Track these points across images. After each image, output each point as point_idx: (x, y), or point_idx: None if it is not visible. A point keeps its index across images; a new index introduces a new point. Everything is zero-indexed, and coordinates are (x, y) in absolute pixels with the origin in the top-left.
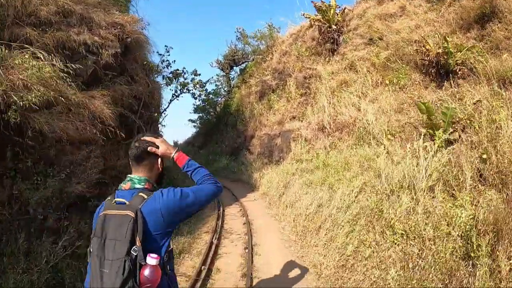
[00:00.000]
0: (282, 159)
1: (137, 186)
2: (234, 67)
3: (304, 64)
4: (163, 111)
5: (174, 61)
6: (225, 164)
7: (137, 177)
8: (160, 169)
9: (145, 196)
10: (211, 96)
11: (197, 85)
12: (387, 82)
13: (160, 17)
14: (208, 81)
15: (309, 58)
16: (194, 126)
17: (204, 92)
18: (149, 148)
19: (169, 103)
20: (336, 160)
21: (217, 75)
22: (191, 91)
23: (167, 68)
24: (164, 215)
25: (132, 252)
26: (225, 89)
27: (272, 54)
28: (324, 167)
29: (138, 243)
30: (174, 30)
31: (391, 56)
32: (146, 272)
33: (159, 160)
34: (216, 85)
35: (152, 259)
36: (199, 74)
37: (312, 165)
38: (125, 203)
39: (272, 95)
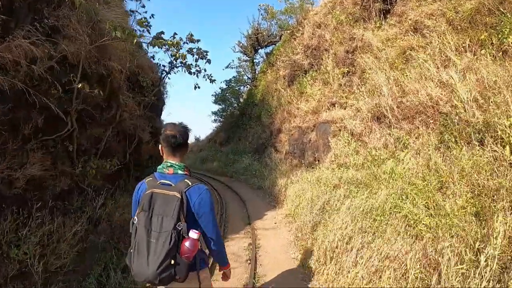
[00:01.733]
0: (317, 161)
1: (180, 172)
2: (259, 50)
3: (345, 35)
4: (152, 93)
5: (153, 15)
6: (246, 165)
7: (177, 164)
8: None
9: (190, 183)
10: (232, 83)
11: (176, 45)
12: (483, 40)
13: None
14: (228, 65)
15: (351, 27)
16: (215, 120)
17: (206, 63)
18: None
19: (161, 79)
20: (412, 169)
21: (238, 58)
22: (185, 62)
23: (148, 33)
24: (196, 206)
25: (177, 227)
26: (249, 76)
27: (303, 27)
28: (392, 179)
29: (183, 220)
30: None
31: (480, 6)
32: (187, 243)
33: (188, 147)
34: (238, 71)
35: (194, 233)
36: (198, 40)
37: (366, 174)
38: (170, 184)
39: (304, 78)
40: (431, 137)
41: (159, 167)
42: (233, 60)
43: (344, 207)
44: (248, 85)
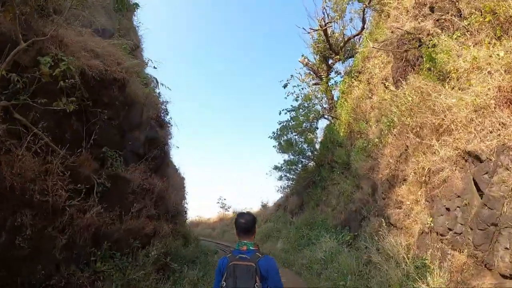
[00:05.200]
0: None
1: (251, 248)
2: (333, 64)
3: None
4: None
5: None
6: (327, 254)
7: (249, 243)
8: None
9: (260, 255)
10: (300, 116)
11: None
12: None
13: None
14: (286, 85)
15: None
16: (282, 176)
17: None
18: None
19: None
20: None
21: (302, 80)
22: None
23: None
24: (266, 271)
25: (255, 286)
26: (324, 105)
27: None
28: None
29: (258, 281)
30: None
31: None
32: None
33: (256, 229)
34: (304, 102)
35: None
36: None
37: None
38: (246, 257)
39: (434, 48)
40: None
41: (236, 245)
42: (292, 76)
43: None
44: (324, 118)
